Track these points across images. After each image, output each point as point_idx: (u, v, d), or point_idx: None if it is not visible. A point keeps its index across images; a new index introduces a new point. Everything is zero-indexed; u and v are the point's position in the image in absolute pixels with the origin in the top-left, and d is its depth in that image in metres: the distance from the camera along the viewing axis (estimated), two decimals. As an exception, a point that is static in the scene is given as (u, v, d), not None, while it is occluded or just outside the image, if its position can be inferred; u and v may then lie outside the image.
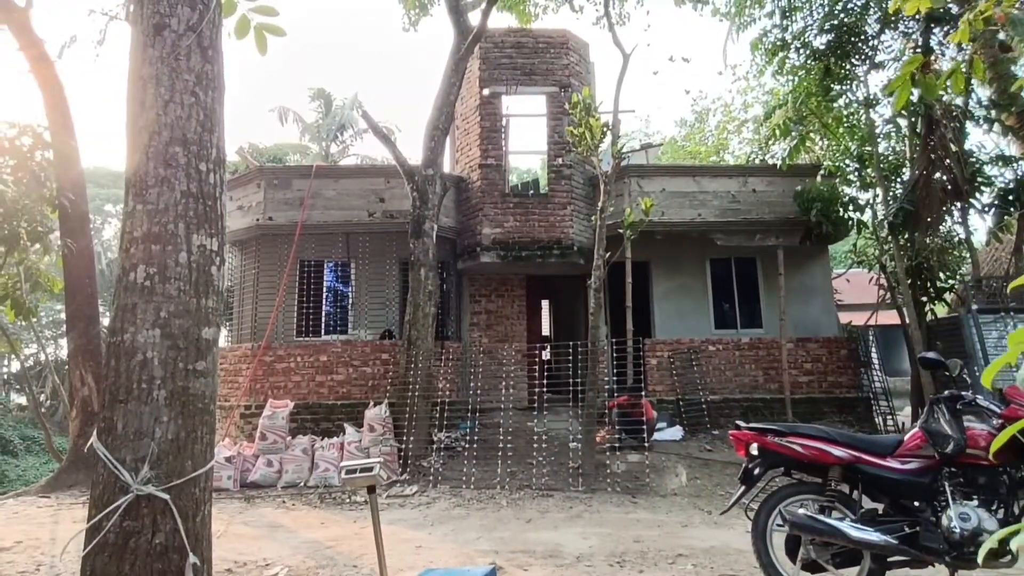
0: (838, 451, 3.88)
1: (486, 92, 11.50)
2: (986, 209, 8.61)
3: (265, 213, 10.84)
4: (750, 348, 10.87)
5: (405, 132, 49.32)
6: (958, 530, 3.46)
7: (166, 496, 1.74)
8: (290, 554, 5.59)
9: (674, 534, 5.97)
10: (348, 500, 7.67)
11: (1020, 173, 8.67)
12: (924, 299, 9.49)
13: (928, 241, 9.38)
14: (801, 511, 3.76)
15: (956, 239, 10.08)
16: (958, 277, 9.88)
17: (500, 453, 8.22)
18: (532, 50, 11.76)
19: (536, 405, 10.62)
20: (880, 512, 3.78)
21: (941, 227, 9.39)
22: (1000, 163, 8.45)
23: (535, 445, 8.36)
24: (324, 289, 11.45)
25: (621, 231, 8.86)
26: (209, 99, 2.15)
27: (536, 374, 11.34)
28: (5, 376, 29.17)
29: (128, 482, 1.72)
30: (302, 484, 8.50)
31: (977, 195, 8.32)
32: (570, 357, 9.23)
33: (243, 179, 11.36)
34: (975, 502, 3.60)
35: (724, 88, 54.90)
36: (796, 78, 10.99)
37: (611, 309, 11.39)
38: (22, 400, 26.75)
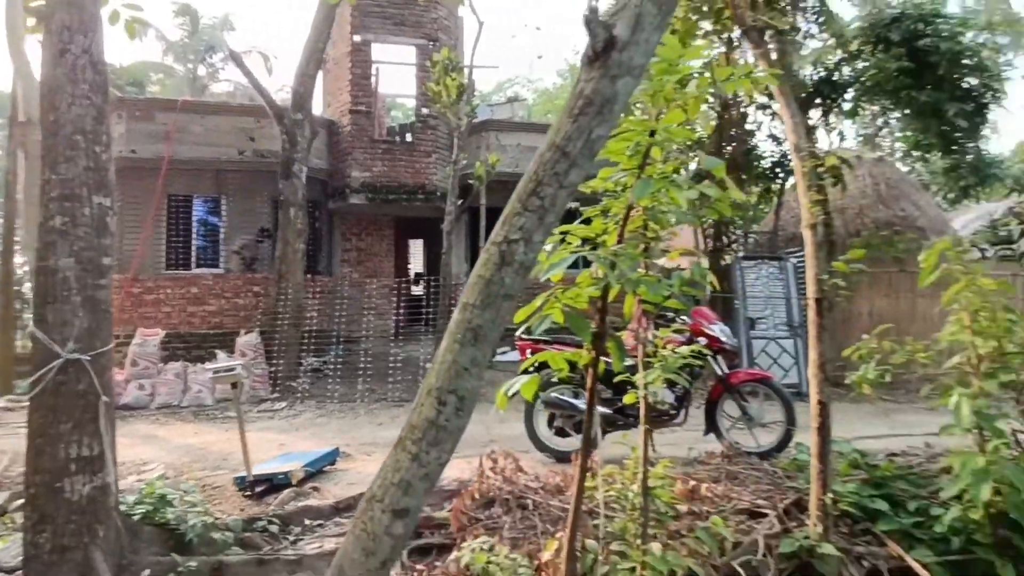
0: (571, 350, 5.51)
1: (357, 39, 12.04)
2: (759, 176, 10.72)
3: (128, 145, 10.92)
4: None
5: (283, 60, 46.61)
6: (651, 401, 5.23)
7: (87, 358, 2.81)
8: (166, 455, 6.58)
9: (493, 427, 7.61)
10: (220, 416, 8.64)
11: (783, 151, 10.77)
12: (720, 247, 11.70)
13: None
14: (553, 394, 5.38)
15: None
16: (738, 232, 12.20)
17: (361, 373, 9.49)
18: (404, 1, 12.35)
19: (401, 334, 11.90)
20: (607, 393, 5.49)
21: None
22: (772, 141, 10.54)
23: (392, 366, 9.69)
24: (194, 223, 11.82)
25: (473, 181, 10.12)
26: (99, 100, 3.08)
27: (401, 306, 12.60)
28: None
29: (59, 352, 2.77)
30: (176, 405, 9.30)
31: (754, 165, 10.39)
32: (437, 293, 10.55)
33: (103, 110, 11.26)
34: (663, 384, 5.38)
35: None
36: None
37: (472, 249, 12.76)
38: None
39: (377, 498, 1.42)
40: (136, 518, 3.23)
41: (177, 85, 25.98)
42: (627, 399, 2.99)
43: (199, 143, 11.22)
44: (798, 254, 10.47)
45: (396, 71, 12.81)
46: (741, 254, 10.00)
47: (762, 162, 10.58)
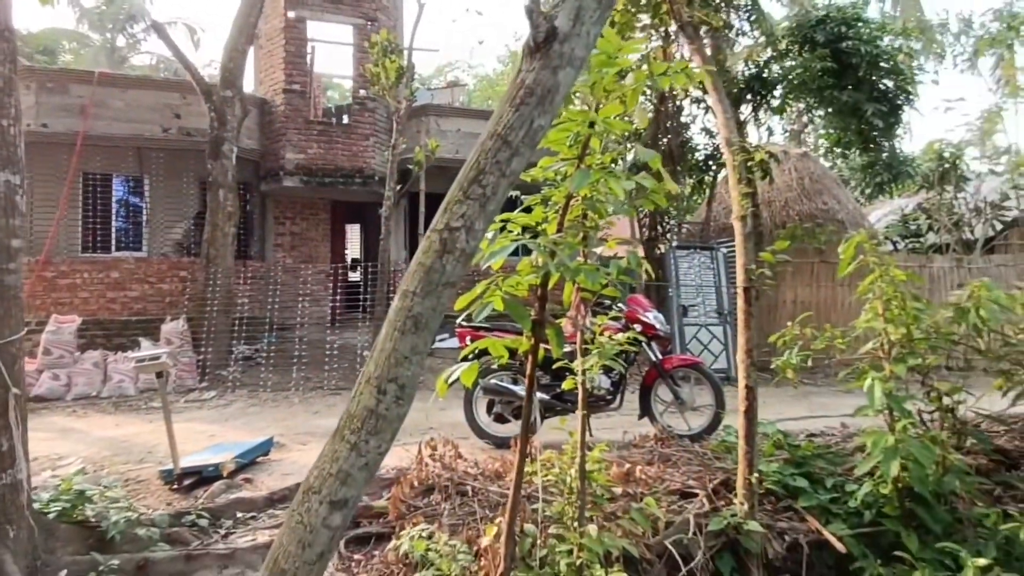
0: (511, 336, 5.56)
1: (291, 15, 11.58)
2: (693, 168, 11.07)
3: (38, 119, 10.15)
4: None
5: (212, 33, 44.13)
6: (588, 387, 5.35)
7: None
8: (84, 449, 6.22)
9: (433, 415, 7.59)
10: (144, 406, 8.23)
11: (715, 144, 11.15)
12: (655, 237, 12.02)
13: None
14: (493, 381, 5.41)
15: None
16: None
17: (296, 361, 9.23)
18: (341, -23, 11.95)
19: (337, 321, 11.65)
20: (546, 380, 5.58)
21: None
22: (705, 134, 10.88)
23: (328, 354, 9.48)
24: (113, 204, 11.12)
25: (412, 166, 9.97)
26: (6, 69, 2.84)
27: (337, 292, 12.33)
28: None
29: None
30: (94, 395, 8.78)
31: (688, 157, 10.71)
32: (375, 279, 10.37)
33: (9, 79, 10.39)
34: (600, 370, 5.52)
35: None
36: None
37: (411, 235, 12.59)
38: None
39: (314, 489, 1.40)
40: (52, 516, 3.04)
41: (93, 55, 24.20)
42: (566, 385, 3.05)
43: (119, 119, 10.55)
44: (728, 244, 10.90)
45: (333, 50, 12.42)
46: (675, 244, 10.30)
47: (696, 154, 10.91)
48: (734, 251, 11.29)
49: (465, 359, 5.85)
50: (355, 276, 14.80)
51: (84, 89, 10.36)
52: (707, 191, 11.11)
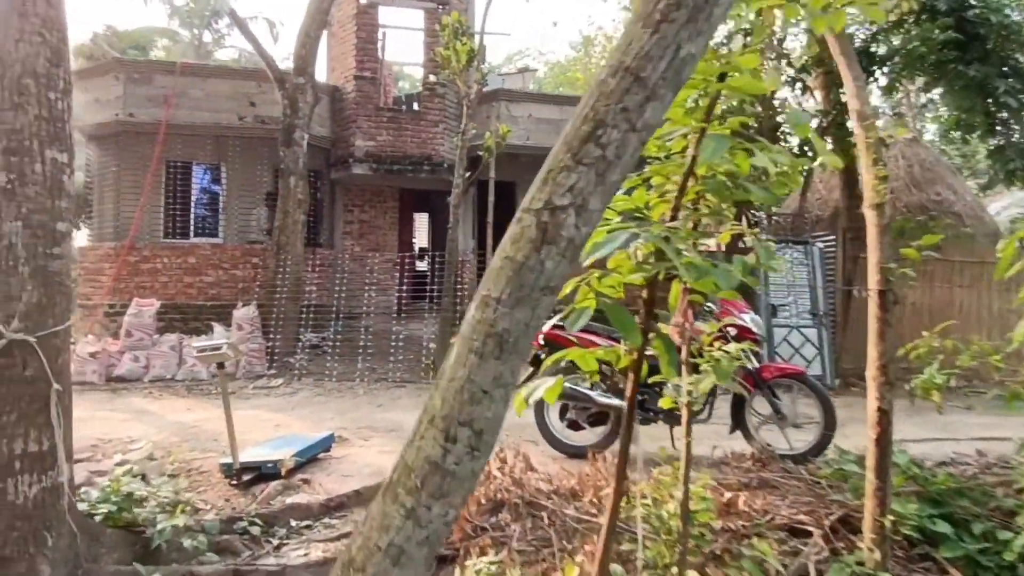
0: (600, 340, 5.08)
1: (363, 1, 11.44)
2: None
3: (125, 109, 10.44)
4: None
5: (290, 27, 45.25)
6: (677, 398, 4.82)
7: (32, 339, 2.40)
8: (155, 432, 6.24)
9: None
10: (214, 391, 8.28)
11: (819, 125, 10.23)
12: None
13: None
14: (568, 385, 4.97)
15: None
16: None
17: (361, 351, 9.10)
18: (413, -39, 11.72)
19: (403, 311, 11.50)
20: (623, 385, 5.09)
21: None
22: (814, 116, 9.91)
23: (393, 345, 9.30)
24: (193, 191, 11.37)
25: (481, 153, 9.60)
26: (54, 38, 2.62)
27: (404, 282, 12.18)
28: None
29: (0, 331, 2.36)
30: (170, 378, 8.96)
31: (780, 141, 9.81)
32: (440, 269, 10.13)
33: (99, 69, 10.76)
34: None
35: (609, 17, 55.17)
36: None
37: (480, 224, 12.28)
38: None
39: (356, 566, 1.00)
40: (98, 519, 2.85)
41: (182, 51, 25.23)
42: (664, 404, 2.56)
43: (199, 108, 10.73)
44: (825, 238, 9.95)
45: (403, 38, 12.22)
46: (764, 237, 9.47)
47: (789, 139, 10.00)
48: (830, 246, 10.25)
49: (535, 358, 5.46)
50: (422, 265, 14.67)
51: (167, 79, 10.59)
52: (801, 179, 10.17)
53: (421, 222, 16.96)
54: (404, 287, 11.19)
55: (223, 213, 11.34)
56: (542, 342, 5.16)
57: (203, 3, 25.85)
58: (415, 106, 12.04)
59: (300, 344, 9.61)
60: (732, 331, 4.65)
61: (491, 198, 10.90)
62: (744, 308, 4.99)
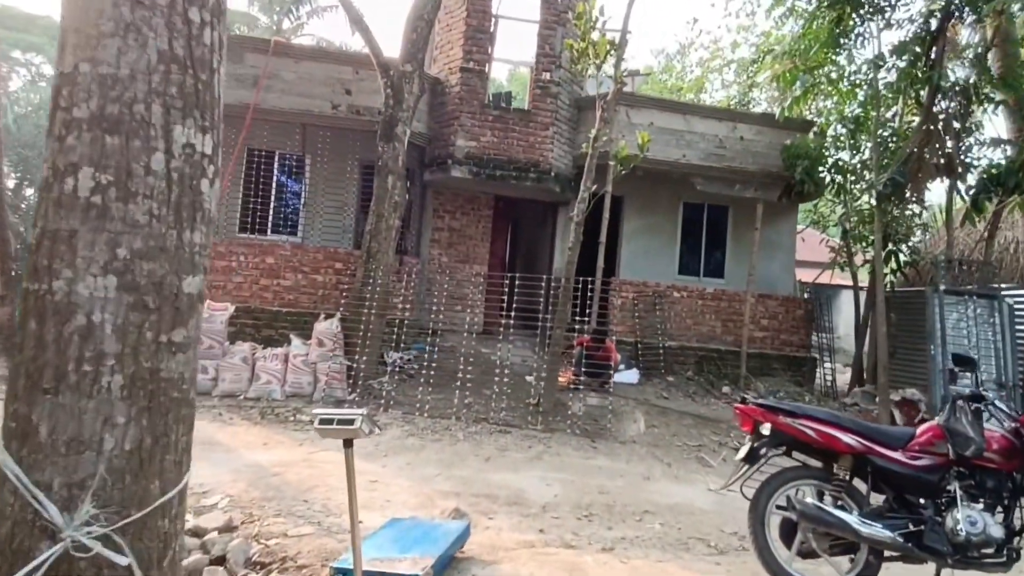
0: (850, 439, 3.68)
1: (475, -16, 10.29)
2: (968, 190, 8.55)
3: (212, 89, 9.52)
4: (713, 298, 10.80)
5: (372, 23, 44.67)
6: (964, 533, 3.37)
7: (120, 541, 1.14)
8: (231, 480, 5.11)
9: (637, 487, 5.87)
10: (292, 418, 7.18)
11: (1007, 158, 8.58)
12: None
13: (898, 214, 9.37)
14: (810, 501, 3.58)
15: (916, 214, 10.19)
16: (921, 253, 10.01)
17: (458, 382, 7.86)
18: (531, -56, 10.52)
19: (493, 332, 10.25)
20: (884, 507, 3.65)
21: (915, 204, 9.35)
22: (990, 146, 8.32)
23: (495, 377, 8.04)
24: (274, 184, 10.40)
25: (606, 162, 8.28)
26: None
27: (497, 300, 10.94)
28: None
29: (57, 523, 1.09)
30: (240, 396, 7.91)
31: (968, 175, 8.21)
32: (538, 288, 8.87)
33: (187, 45, 9.87)
34: (981, 505, 3.52)
35: (713, 23, 53.33)
36: (803, 23, 10.37)
37: (588, 244, 10.94)
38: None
39: None
40: None
41: (260, 37, 24.86)
42: None
43: (289, 92, 9.75)
44: (1017, 293, 8.27)
45: (503, 33, 11.00)
46: (943, 286, 7.85)
47: (973, 170, 8.37)
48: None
49: (752, 451, 4.09)
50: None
51: (258, 59, 9.65)
52: (986, 219, 8.53)
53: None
54: (502, 307, 9.94)
55: (305, 209, 10.32)
56: (765, 432, 3.79)
57: (285, -10, 25.39)
58: (509, 104, 10.74)
59: (386, 366, 8.45)
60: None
61: (605, 216, 9.59)
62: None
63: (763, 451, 3.78)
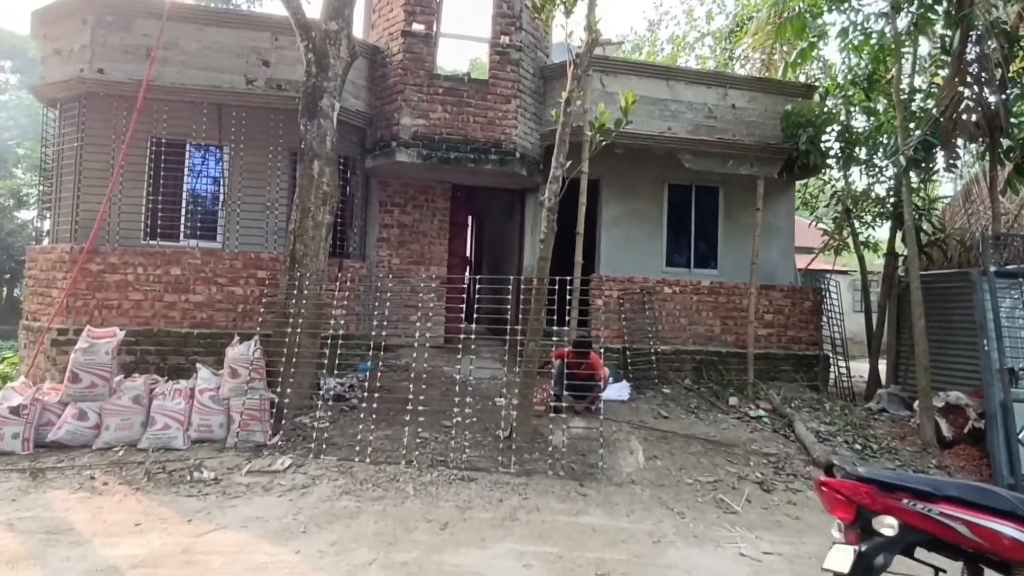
0: (1008, 528, 2.19)
1: (417, -67, 8.63)
2: (1009, 153, 7.23)
3: (92, 63, 7.72)
4: (709, 293, 9.35)
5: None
6: None
7: None
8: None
9: (646, 558, 4.33)
10: (189, 478, 5.47)
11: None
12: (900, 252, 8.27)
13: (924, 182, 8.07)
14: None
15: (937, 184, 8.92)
16: (948, 230, 8.73)
17: (408, 415, 6.24)
18: None
19: (454, 342, 8.61)
20: None
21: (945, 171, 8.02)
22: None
23: (456, 401, 6.43)
24: (185, 179, 8.59)
25: (581, 139, 6.75)
26: None
27: (458, 307, 9.34)
28: None
29: None
30: (128, 446, 6.18)
31: (1011, 130, 6.88)
32: (506, 291, 7.31)
33: (62, 10, 8.03)
34: None
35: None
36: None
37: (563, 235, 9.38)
38: None
39: None
40: None
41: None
42: None
43: (193, 65, 7.99)
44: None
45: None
46: (992, 268, 6.49)
47: (1017, 130, 7.05)
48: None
49: (865, 559, 2.56)
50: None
51: (151, 25, 7.86)
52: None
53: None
54: (461, 314, 8.34)
55: (223, 209, 8.54)
56: (893, 526, 2.27)
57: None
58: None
59: (320, 395, 6.78)
60: None
61: (583, 200, 8.07)
62: None
63: (881, 560, 2.26)
